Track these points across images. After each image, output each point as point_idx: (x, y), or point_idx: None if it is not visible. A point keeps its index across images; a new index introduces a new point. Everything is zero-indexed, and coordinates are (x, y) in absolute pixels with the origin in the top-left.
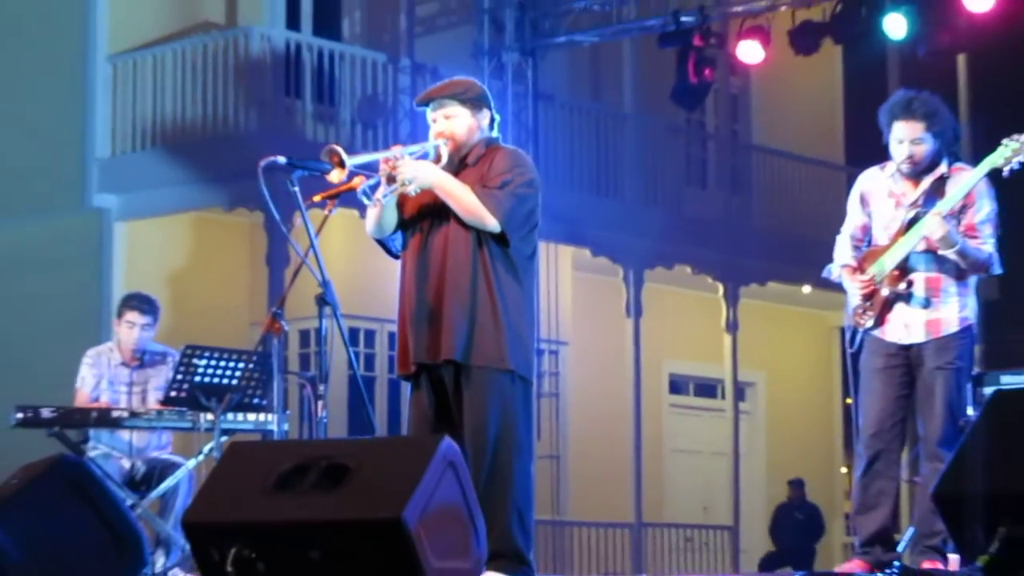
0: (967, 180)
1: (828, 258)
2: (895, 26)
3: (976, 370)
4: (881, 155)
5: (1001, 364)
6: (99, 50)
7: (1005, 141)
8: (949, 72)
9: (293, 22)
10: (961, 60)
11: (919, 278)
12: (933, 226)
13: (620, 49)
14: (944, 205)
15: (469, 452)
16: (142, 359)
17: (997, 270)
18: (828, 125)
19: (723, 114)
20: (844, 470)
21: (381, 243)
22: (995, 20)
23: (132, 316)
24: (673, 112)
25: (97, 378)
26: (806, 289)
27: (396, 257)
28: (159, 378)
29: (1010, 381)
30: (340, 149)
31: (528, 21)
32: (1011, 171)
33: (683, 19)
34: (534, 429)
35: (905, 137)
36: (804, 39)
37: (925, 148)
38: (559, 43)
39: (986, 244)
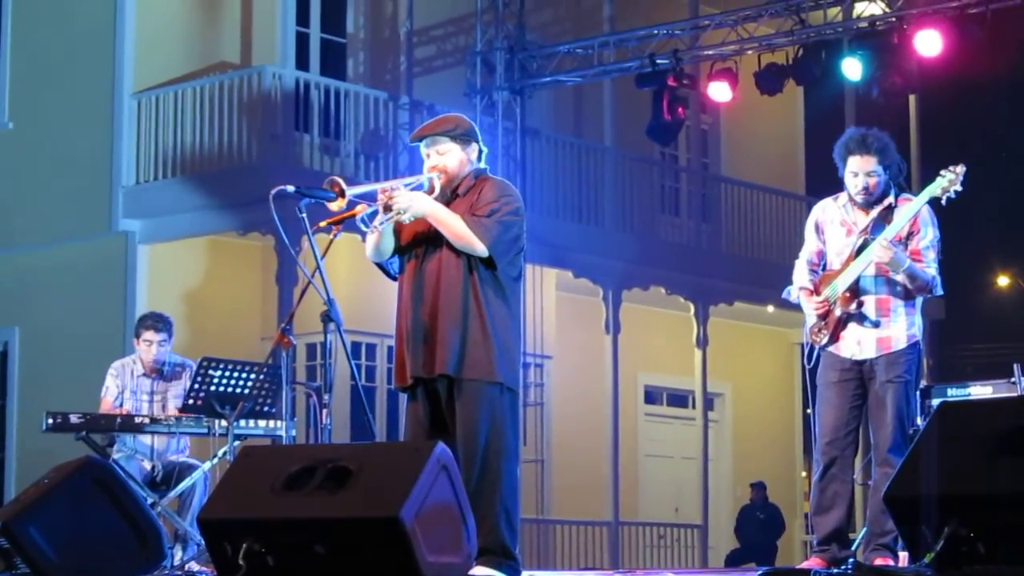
0: (910, 208)
1: (790, 280)
2: (852, 69)
3: (924, 383)
4: (838, 186)
5: (947, 377)
6: (125, 87)
7: (942, 172)
8: (901, 111)
9: (302, 63)
10: (912, 100)
11: (869, 299)
12: (880, 252)
13: (601, 89)
14: (890, 232)
15: (461, 457)
16: (162, 370)
17: (939, 291)
18: (790, 159)
19: (694, 148)
20: (803, 474)
21: (380, 266)
22: (942, 64)
23: (148, 335)
24: (649, 146)
25: (120, 388)
26: (770, 309)
27: (394, 279)
28: (178, 387)
29: (955, 393)
30: (340, 180)
31: (517, 63)
32: (948, 199)
33: (658, 62)
34: (520, 435)
35: (860, 170)
36: (769, 80)
37: (878, 180)
38: (545, 83)
39: (930, 267)
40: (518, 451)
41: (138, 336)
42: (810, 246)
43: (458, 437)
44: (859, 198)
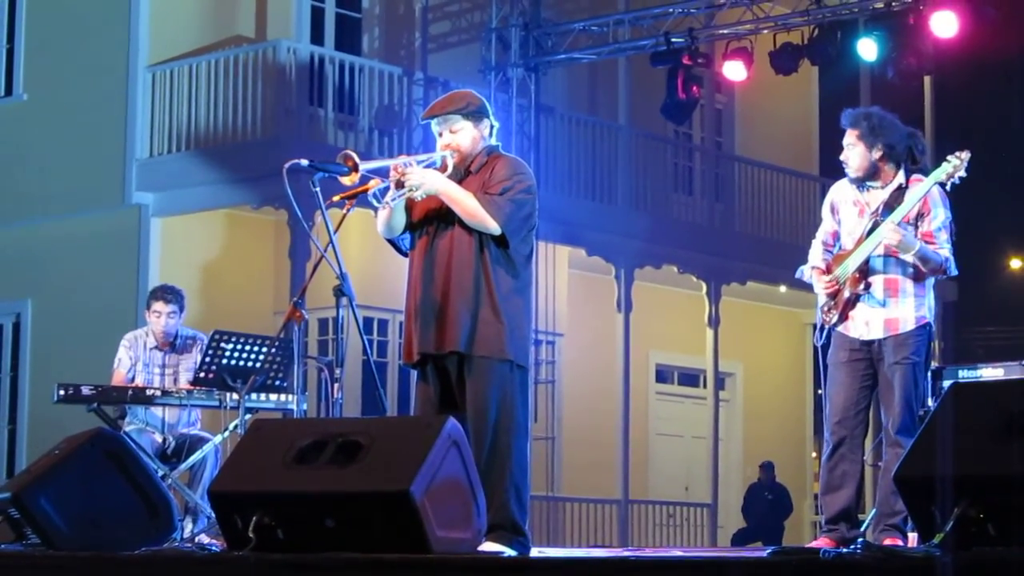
0: (918, 190)
1: (803, 260)
2: (867, 49)
3: (935, 365)
4: None
5: (959, 360)
6: (140, 61)
7: (948, 157)
8: (916, 92)
9: (317, 37)
10: (927, 81)
11: (878, 280)
12: (887, 233)
13: (615, 66)
14: (898, 214)
15: (471, 434)
16: (174, 343)
17: (954, 271)
18: (804, 139)
19: (708, 127)
20: (814, 455)
21: (392, 242)
22: (958, 45)
23: (158, 306)
24: (663, 125)
25: (133, 360)
26: (782, 289)
27: (405, 255)
28: (189, 360)
29: (966, 375)
30: (354, 154)
31: (532, 40)
32: (953, 185)
33: (674, 40)
34: (529, 412)
35: (844, 143)
36: (784, 60)
37: (855, 153)
38: (560, 60)
39: (942, 248)
40: (528, 428)
41: (149, 307)
42: (826, 226)
43: (468, 414)
44: (847, 171)
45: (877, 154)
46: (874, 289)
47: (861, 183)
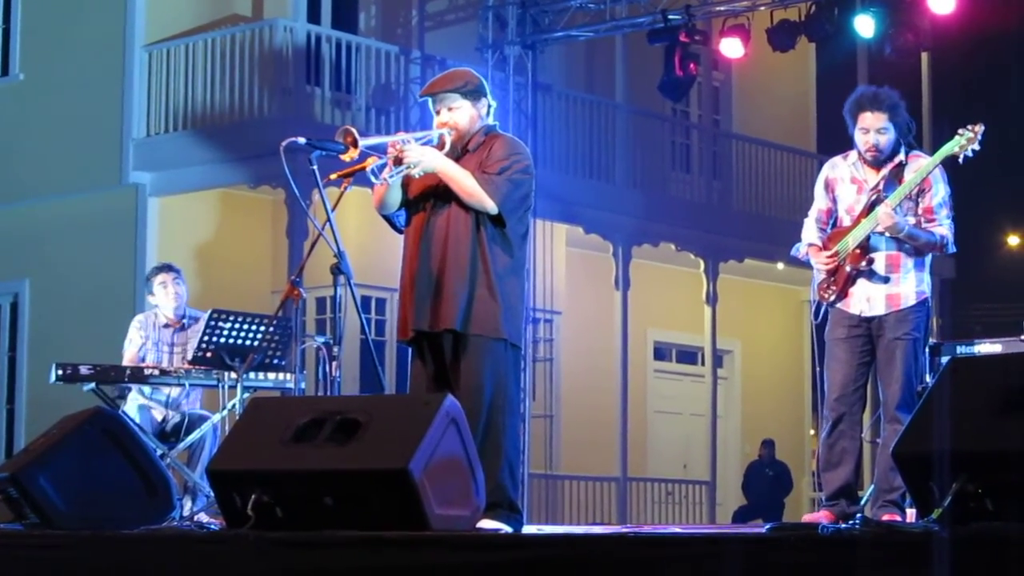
0: (925, 166)
1: (800, 238)
2: (864, 26)
3: (933, 341)
4: (849, 144)
5: (956, 336)
6: (136, 40)
7: (960, 131)
8: (913, 69)
9: (314, 16)
10: (924, 58)
11: (880, 256)
12: (883, 217)
13: (613, 44)
14: (901, 191)
15: (465, 412)
16: (183, 322)
17: (952, 248)
18: (802, 116)
19: (706, 105)
20: (812, 432)
21: (387, 219)
22: (956, 22)
23: (162, 277)
24: (660, 102)
25: (144, 339)
26: (780, 266)
27: (400, 232)
28: (196, 340)
29: (964, 351)
30: (353, 129)
31: (529, 17)
32: (965, 158)
33: (671, 17)
34: (528, 391)
35: (871, 126)
36: (781, 37)
37: (888, 137)
38: (557, 38)
39: (942, 225)
40: (519, 407)
41: (153, 284)
42: (819, 204)
43: (462, 392)
44: (869, 155)
45: (897, 136)
46: (876, 265)
47: (866, 162)
